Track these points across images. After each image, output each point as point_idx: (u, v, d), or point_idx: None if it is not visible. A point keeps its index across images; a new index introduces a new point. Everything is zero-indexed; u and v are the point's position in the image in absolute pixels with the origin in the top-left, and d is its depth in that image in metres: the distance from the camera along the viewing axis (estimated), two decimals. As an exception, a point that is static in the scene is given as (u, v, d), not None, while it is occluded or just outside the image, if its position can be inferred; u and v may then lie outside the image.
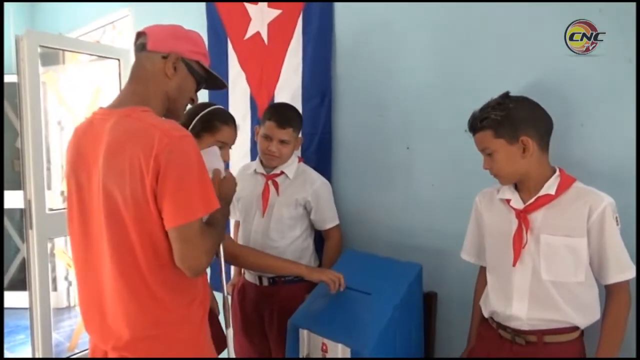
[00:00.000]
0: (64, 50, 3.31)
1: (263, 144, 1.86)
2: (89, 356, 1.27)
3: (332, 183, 2.04)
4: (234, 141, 1.61)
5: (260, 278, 1.90)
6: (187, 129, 1.38)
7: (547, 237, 1.25)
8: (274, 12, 2.21)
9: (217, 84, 1.35)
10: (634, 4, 1.28)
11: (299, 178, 1.92)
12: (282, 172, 1.91)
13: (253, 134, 2.21)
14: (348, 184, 2.05)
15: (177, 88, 1.21)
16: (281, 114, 1.86)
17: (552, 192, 1.26)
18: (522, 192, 1.32)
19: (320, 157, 2.09)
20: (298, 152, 2.02)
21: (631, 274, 1.22)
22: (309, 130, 2.09)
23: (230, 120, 1.57)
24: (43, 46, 2.62)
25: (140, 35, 1.23)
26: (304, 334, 1.47)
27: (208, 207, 1.10)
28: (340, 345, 1.37)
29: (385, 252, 1.89)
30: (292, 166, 1.92)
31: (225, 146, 1.55)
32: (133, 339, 1.14)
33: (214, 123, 1.52)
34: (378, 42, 1.91)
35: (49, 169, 3.65)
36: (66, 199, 1.28)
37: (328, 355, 1.41)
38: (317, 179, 1.93)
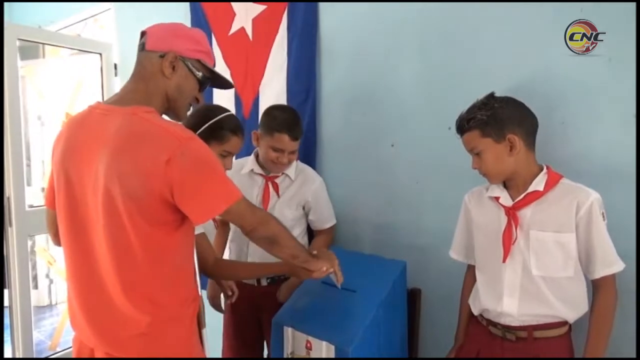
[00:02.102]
0: (43, 43, 3.24)
1: (272, 154, 1.79)
2: (73, 354, 1.25)
3: (316, 180, 2.03)
4: (239, 151, 1.59)
5: (258, 279, 1.88)
6: (196, 132, 1.35)
7: (537, 232, 1.28)
8: (259, 8, 2.19)
9: (223, 83, 1.33)
10: (633, 4, 1.29)
11: (299, 178, 1.90)
12: (283, 173, 1.88)
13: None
14: (333, 182, 2.05)
15: (176, 87, 1.19)
16: (294, 126, 1.79)
17: (540, 189, 1.28)
18: (511, 190, 1.35)
19: (304, 155, 2.08)
20: None
21: (617, 267, 1.25)
22: (294, 127, 2.08)
23: (239, 131, 1.54)
24: (22, 39, 2.56)
25: (142, 34, 1.22)
26: (288, 331, 1.46)
27: (230, 199, 1.11)
28: (324, 343, 1.37)
29: (369, 249, 1.90)
30: (293, 166, 1.90)
31: (229, 155, 1.53)
32: (126, 336, 1.13)
33: (223, 132, 1.49)
34: (363, 40, 1.91)
35: (28, 165, 3.58)
36: (46, 192, 1.27)
37: (312, 353, 1.41)
38: (316, 178, 1.92)
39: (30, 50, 3.57)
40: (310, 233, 2.00)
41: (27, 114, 3.56)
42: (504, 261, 1.32)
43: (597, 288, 1.29)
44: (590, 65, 1.38)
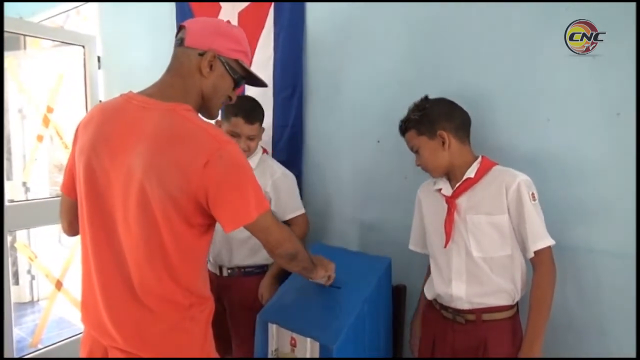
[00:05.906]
0: (24, 35, 3.17)
1: None
2: (82, 354, 1.21)
3: (302, 176, 2.02)
4: None
5: (220, 268, 1.86)
6: None
7: (472, 216, 1.37)
8: (245, 2, 2.17)
9: (258, 82, 1.31)
10: (634, 4, 1.30)
11: (259, 168, 1.86)
12: None
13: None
14: (318, 177, 2.04)
15: (212, 86, 1.17)
16: (247, 109, 1.78)
17: (472, 176, 1.38)
18: (452, 181, 1.44)
19: (290, 150, 2.07)
20: (262, 143, 1.97)
21: (545, 242, 1.31)
22: (280, 122, 2.06)
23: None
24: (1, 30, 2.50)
25: (181, 28, 1.19)
26: (272, 328, 1.45)
27: (260, 209, 1.11)
28: (308, 340, 1.36)
29: (355, 246, 1.90)
30: (256, 156, 1.88)
31: None
32: (150, 333, 1.11)
33: None
34: (350, 36, 1.90)
35: (9, 159, 3.52)
36: (63, 177, 1.24)
37: (296, 350, 1.40)
38: (277, 170, 1.88)
39: (11, 42, 3.48)
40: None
41: (8, 106, 3.49)
42: (445, 246, 1.41)
43: (534, 267, 1.35)
44: (577, 64, 1.39)
